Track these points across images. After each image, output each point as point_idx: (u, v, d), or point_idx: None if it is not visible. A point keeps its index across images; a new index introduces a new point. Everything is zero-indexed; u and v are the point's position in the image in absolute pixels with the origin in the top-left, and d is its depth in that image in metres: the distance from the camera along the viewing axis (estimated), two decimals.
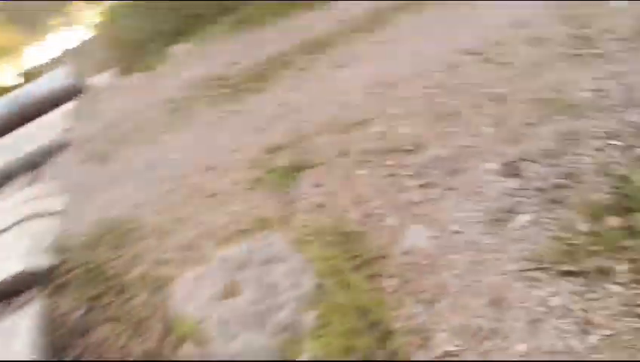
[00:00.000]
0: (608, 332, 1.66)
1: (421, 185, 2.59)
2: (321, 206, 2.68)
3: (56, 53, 10.14)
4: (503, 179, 2.45)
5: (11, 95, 5.98)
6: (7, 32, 11.70)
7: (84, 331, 2.47)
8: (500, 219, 2.24)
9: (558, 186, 2.28)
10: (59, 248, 3.01)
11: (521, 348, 1.75)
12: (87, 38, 9.82)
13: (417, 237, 2.32)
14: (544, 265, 1.95)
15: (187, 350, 2.18)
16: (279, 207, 2.76)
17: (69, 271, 2.83)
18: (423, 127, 3.02)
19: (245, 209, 2.84)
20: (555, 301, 1.82)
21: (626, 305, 1.72)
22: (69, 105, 5.64)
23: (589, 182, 2.24)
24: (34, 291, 2.78)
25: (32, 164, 4.53)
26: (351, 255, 2.31)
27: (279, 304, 2.19)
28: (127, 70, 6.47)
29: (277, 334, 2.09)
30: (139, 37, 7.02)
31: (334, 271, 2.25)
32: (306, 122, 3.52)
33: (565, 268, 1.90)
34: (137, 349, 2.30)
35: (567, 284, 1.85)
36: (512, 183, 2.40)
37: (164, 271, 2.60)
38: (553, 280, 1.90)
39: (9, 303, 2.77)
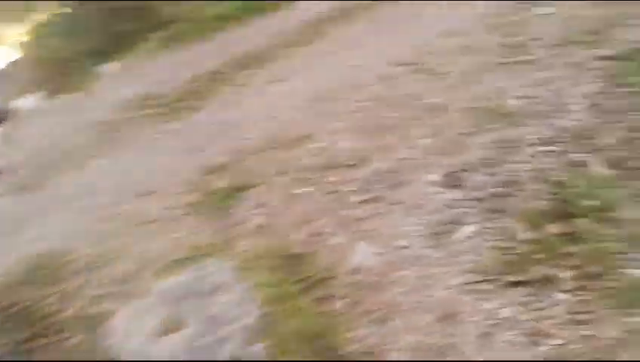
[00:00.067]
0: (559, 342, 1.66)
1: (364, 201, 2.56)
2: (263, 228, 2.60)
3: None
4: (444, 190, 2.46)
5: None
6: None
7: None
8: (444, 231, 2.24)
9: (498, 195, 2.31)
10: None
11: None
12: (11, 58, 9.33)
13: (364, 254, 2.27)
14: (490, 277, 1.96)
15: None
16: (220, 232, 2.66)
17: None
18: (362, 141, 3.01)
19: (184, 236, 2.73)
20: (504, 312, 1.82)
21: (572, 312, 1.73)
22: None
23: (528, 189, 2.28)
24: None
25: None
26: (298, 278, 2.24)
27: (225, 336, 2.08)
28: (54, 92, 6.18)
29: None
30: (66, 56, 6.74)
31: (281, 297, 2.17)
32: (246, 140, 3.45)
33: (511, 278, 1.91)
34: None
35: (515, 295, 1.86)
36: (454, 194, 2.41)
37: (101, 308, 2.45)
38: (500, 291, 1.90)
39: None
